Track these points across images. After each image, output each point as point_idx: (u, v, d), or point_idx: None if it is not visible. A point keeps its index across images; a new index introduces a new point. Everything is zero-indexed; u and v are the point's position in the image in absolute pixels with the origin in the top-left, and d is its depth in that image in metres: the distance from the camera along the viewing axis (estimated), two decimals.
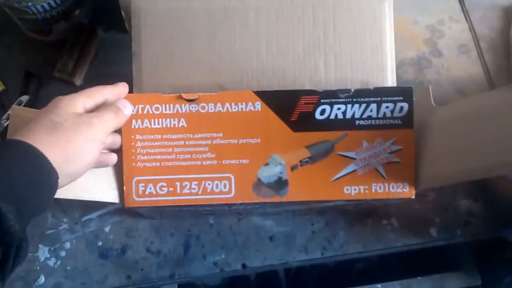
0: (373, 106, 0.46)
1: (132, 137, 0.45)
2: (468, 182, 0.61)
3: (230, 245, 0.58)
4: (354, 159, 0.47)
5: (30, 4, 0.56)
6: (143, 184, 0.46)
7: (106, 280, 0.55)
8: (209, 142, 0.46)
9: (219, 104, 0.46)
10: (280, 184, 0.46)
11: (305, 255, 0.58)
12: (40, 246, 0.56)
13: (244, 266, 0.57)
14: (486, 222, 0.60)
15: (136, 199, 0.46)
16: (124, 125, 0.44)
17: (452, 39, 0.68)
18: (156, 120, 0.46)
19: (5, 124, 0.59)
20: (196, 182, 0.46)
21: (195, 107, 0.46)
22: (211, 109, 0.46)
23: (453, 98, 0.64)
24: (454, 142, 0.44)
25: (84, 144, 0.35)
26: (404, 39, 0.68)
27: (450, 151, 0.44)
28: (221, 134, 0.46)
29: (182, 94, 0.45)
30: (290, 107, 0.46)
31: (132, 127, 0.45)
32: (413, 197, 0.47)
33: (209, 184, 0.46)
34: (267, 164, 0.46)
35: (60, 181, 0.33)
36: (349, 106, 0.46)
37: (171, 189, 0.46)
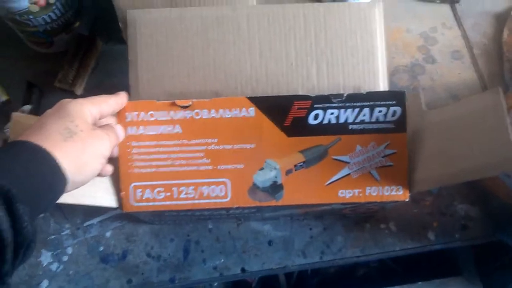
0: (366, 110, 0.47)
1: (128, 143, 0.46)
2: (465, 186, 0.62)
3: (229, 250, 0.59)
4: (348, 163, 0.47)
5: (31, 16, 0.57)
6: (140, 190, 0.47)
7: (107, 284, 0.56)
8: (204, 147, 0.47)
9: (213, 110, 0.47)
10: (275, 188, 0.47)
11: (303, 259, 0.59)
12: (43, 251, 0.57)
13: (243, 270, 0.58)
14: (483, 226, 0.60)
15: (134, 204, 0.47)
16: None
17: (445, 46, 0.69)
18: (151, 127, 0.47)
19: (8, 134, 0.60)
20: (192, 187, 0.47)
21: (190, 114, 0.47)
22: (205, 115, 0.47)
23: (447, 104, 0.65)
24: (444, 145, 0.45)
25: (94, 157, 0.37)
26: (397, 47, 0.69)
27: (441, 154, 0.45)
28: (216, 140, 0.47)
29: (176, 101, 0.46)
30: (284, 112, 0.47)
31: (128, 133, 0.46)
32: (407, 199, 0.47)
33: (205, 189, 0.47)
34: (262, 169, 0.47)
35: (67, 187, 0.35)
36: (342, 110, 0.47)
37: (168, 194, 0.47)
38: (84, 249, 0.58)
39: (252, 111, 0.47)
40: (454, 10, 0.72)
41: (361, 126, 0.47)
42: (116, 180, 0.47)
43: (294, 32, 0.49)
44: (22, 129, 0.40)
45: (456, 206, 0.61)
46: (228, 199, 0.47)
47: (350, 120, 0.47)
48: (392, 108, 0.47)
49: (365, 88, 0.49)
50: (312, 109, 0.47)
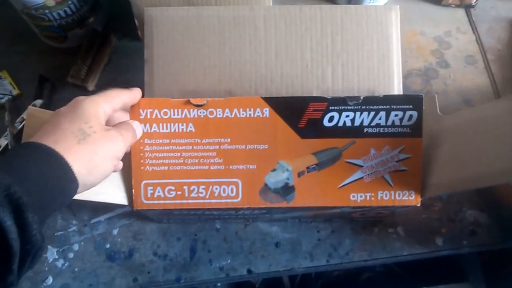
0: (382, 114, 0.47)
1: (141, 141, 0.46)
2: (475, 192, 0.61)
3: (236, 250, 0.58)
4: (361, 166, 0.47)
5: (47, 11, 0.57)
6: (151, 187, 0.47)
7: (113, 282, 0.56)
8: (217, 147, 0.47)
9: (227, 110, 0.47)
10: (286, 190, 0.47)
11: (310, 262, 0.58)
12: (49, 247, 0.57)
13: (249, 271, 0.58)
14: (492, 232, 0.60)
15: (145, 201, 0.47)
16: None
17: (459, 50, 0.69)
18: (165, 125, 0.47)
19: (19, 127, 0.60)
20: (203, 186, 0.47)
21: (203, 112, 0.47)
22: (219, 114, 0.47)
23: (460, 109, 0.65)
24: (459, 151, 0.44)
25: (107, 159, 0.36)
26: (411, 50, 0.68)
27: (455, 159, 0.44)
28: (229, 140, 0.47)
29: (190, 99, 0.46)
30: (298, 113, 0.46)
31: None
32: (418, 205, 0.47)
33: (216, 188, 0.47)
34: (274, 170, 0.47)
35: (78, 190, 0.34)
36: (357, 113, 0.47)
37: (179, 192, 0.47)
38: (91, 246, 0.58)
39: (266, 111, 0.46)
40: (469, 14, 0.71)
41: (376, 130, 0.47)
42: (127, 177, 0.47)
43: (311, 33, 0.49)
44: (37, 123, 0.40)
45: (465, 212, 0.61)
46: (239, 199, 0.47)
47: (365, 123, 0.47)
48: (408, 113, 0.46)
49: (380, 92, 0.49)
50: (327, 111, 0.46)
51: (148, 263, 0.57)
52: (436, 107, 0.47)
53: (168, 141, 0.47)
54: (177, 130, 0.47)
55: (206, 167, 0.47)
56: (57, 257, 0.57)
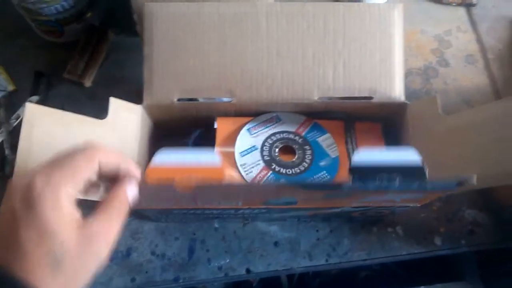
0: None
1: None
2: (474, 192, 0.61)
3: (234, 250, 0.58)
4: None
5: (44, 5, 0.56)
6: None
7: (110, 282, 0.55)
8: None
9: None
10: None
11: (309, 261, 0.58)
12: None
13: (248, 271, 0.57)
14: (490, 232, 0.60)
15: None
16: None
17: (459, 50, 0.69)
18: None
19: (14, 124, 0.59)
20: None
21: None
22: None
23: (460, 108, 0.64)
24: (459, 151, 0.44)
25: (91, 270, 0.29)
26: (411, 49, 0.68)
27: (456, 160, 0.44)
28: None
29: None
30: None
31: None
32: (419, 205, 0.47)
33: None
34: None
35: None
36: None
37: None
38: None
39: None
40: (469, 13, 0.71)
41: None
42: None
43: (313, 31, 0.48)
44: (36, 119, 0.39)
45: (464, 212, 0.61)
46: None
47: None
48: None
49: (381, 91, 0.49)
50: None
51: (146, 263, 0.56)
52: (438, 107, 0.47)
53: None
54: None
55: None
56: None
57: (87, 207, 0.57)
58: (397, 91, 0.49)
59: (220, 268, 0.57)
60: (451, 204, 0.61)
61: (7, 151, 0.57)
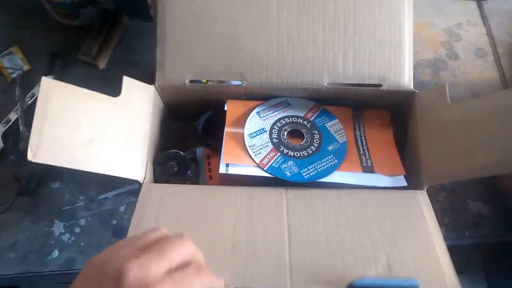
0: None
1: None
2: (479, 184, 0.61)
3: None
4: None
5: None
6: None
7: None
8: None
9: None
10: None
11: None
12: (56, 221, 0.57)
13: None
14: (495, 224, 0.60)
15: None
16: None
17: (469, 43, 0.69)
18: None
19: (29, 102, 0.60)
20: None
21: None
22: None
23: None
24: (467, 139, 0.44)
25: None
26: (421, 41, 0.68)
27: (463, 148, 0.45)
28: None
29: None
30: None
31: None
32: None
33: None
34: None
35: None
36: None
37: None
38: (97, 221, 0.58)
39: None
40: (480, 7, 0.71)
41: None
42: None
43: (323, 18, 0.49)
44: (51, 93, 0.40)
45: (469, 203, 0.61)
46: None
47: None
48: None
49: (390, 79, 0.49)
50: None
51: None
52: (446, 95, 0.47)
53: None
54: None
55: None
56: (63, 231, 0.57)
57: (103, 186, 0.58)
58: (406, 79, 0.50)
59: None
60: (456, 195, 0.61)
61: (21, 128, 0.58)
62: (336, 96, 0.52)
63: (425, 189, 0.47)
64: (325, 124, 0.53)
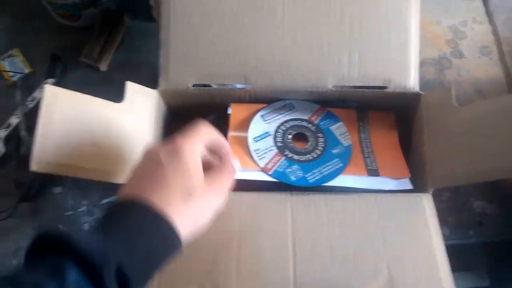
0: None
1: None
2: (483, 183, 0.61)
3: None
4: None
5: None
6: None
7: None
8: None
9: None
10: None
11: None
12: (59, 227, 0.57)
13: None
14: (499, 224, 0.60)
15: None
16: None
17: (474, 41, 0.68)
18: None
19: (30, 106, 0.60)
20: None
21: None
22: None
23: (473, 99, 0.64)
24: (473, 142, 0.44)
25: (208, 216, 0.36)
26: (426, 39, 0.68)
27: (469, 151, 0.44)
28: None
29: None
30: None
31: None
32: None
33: None
34: None
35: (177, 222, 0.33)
36: None
37: None
38: None
39: None
40: (486, 4, 0.70)
41: None
42: None
43: (329, 19, 0.49)
44: (55, 100, 0.40)
45: (473, 202, 0.61)
46: None
47: None
48: None
49: (396, 81, 0.49)
50: None
51: None
52: (452, 98, 0.47)
53: None
54: None
55: None
56: None
57: (105, 191, 0.58)
58: (412, 82, 0.49)
59: None
60: (460, 195, 0.61)
61: (23, 132, 0.58)
62: (341, 98, 0.52)
63: (431, 192, 0.47)
64: (330, 127, 0.52)
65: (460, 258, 0.72)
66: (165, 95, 0.51)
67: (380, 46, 0.49)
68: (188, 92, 0.50)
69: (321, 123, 0.52)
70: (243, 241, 0.42)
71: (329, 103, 0.53)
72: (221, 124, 0.52)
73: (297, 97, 0.53)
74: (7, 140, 0.59)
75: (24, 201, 0.56)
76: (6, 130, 0.58)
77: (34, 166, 0.37)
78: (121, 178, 0.44)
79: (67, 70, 0.64)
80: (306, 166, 0.49)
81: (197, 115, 0.53)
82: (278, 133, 0.51)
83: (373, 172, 0.49)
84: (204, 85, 0.50)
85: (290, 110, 0.53)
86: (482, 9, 0.70)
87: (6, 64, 0.63)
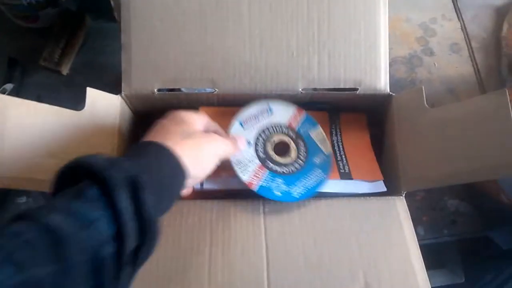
0: None
1: None
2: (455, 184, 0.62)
3: None
4: None
5: None
6: None
7: None
8: None
9: None
10: None
11: None
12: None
13: None
14: (472, 222, 0.60)
15: None
16: None
17: (444, 38, 0.68)
18: None
19: None
20: None
21: None
22: None
23: (444, 97, 0.64)
24: (444, 145, 0.44)
25: (209, 155, 0.40)
26: (396, 37, 0.67)
27: (441, 154, 0.44)
28: None
29: None
30: None
31: None
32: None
33: None
34: None
35: (188, 181, 0.36)
36: None
37: None
38: None
39: None
40: (454, 1, 0.70)
41: None
42: None
43: (297, 20, 0.47)
44: (9, 110, 0.38)
45: (446, 201, 0.61)
46: None
47: None
48: None
49: (366, 82, 0.48)
50: None
51: None
52: (423, 99, 0.46)
53: None
54: None
55: None
56: None
57: None
58: (383, 83, 0.48)
59: None
60: (434, 194, 0.61)
61: None
62: (312, 101, 0.51)
63: (403, 194, 0.47)
64: (309, 133, 0.50)
65: (435, 256, 0.73)
66: (129, 100, 0.49)
67: (350, 47, 0.48)
68: (153, 97, 0.48)
69: (301, 130, 0.50)
70: (214, 250, 0.41)
71: (300, 106, 0.52)
72: None
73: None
74: None
75: None
76: None
77: None
78: None
79: (27, 74, 0.61)
80: (290, 179, 0.46)
81: None
82: (259, 142, 0.48)
83: (345, 176, 0.48)
84: (171, 89, 0.48)
85: (268, 114, 0.50)
86: (450, 6, 0.70)
87: None
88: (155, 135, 0.38)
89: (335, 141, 0.51)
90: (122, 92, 0.47)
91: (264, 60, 0.47)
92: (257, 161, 0.47)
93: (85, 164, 0.30)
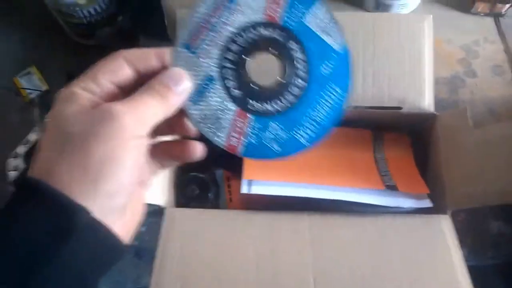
0: None
1: None
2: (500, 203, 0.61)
3: None
4: None
5: (77, 9, 0.58)
6: None
7: (138, 279, 0.56)
8: None
9: None
10: None
11: None
12: None
13: None
14: None
15: None
16: None
17: (486, 60, 0.68)
18: None
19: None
20: None
21: None
22: None
23: (485, 119, 0.64)
24: (489, 164, 0.44)
25: (108, 150, 0.23)
26: (437, 58, 0.68)
27: (485, 173, 0.44)
28: None
29: None
30: None
31: None
32: None
33: None
34: None
35: (96, 209, 0.22)
36: None
37: None
38: None
39: None
40: (497, 23, 0.70)
41: None
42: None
43: None
44: None
45: (490, 223, 0.60)
46: None
47: None
48: None
49: (410, 101, 0.49)
50: None
51: None
52: (467, 119, 0.47)
53: None
54: None
55: None
56: None
57: None
58: (427, 102, 0.49)
59: None
60: (476, 216, 0.60)
61: None
62: (355, 119, 0.52)
63: (449, 214, 0.47)
64: (304, 21, 0.27)
65: (478, 280, 0.72)
66: None
67: (394, 67, 0.49)
68: None
69: (290, 21, 0.27)
70: (261, 267, 0.41)
71: (343, 124, 0.53)
72: None
73: None
74: (27, 156, 0.59)
75: None
76: (25, 146, 0.59)
77: None
78: None
79: None
80: (288, 116, 0.28)
81: None
82: (226, 71, 0.27)
83: (391, 187, 0.48)
84: None
85: (228, 10, 0.26)
86: (493, 28, 0.70)
87: (23, 81, 0.64)
88: (38, 155, 0.24)
89: (378, 158, 0.52)
90: None
91: None
92: (232, 105, 0.27)
93: None
